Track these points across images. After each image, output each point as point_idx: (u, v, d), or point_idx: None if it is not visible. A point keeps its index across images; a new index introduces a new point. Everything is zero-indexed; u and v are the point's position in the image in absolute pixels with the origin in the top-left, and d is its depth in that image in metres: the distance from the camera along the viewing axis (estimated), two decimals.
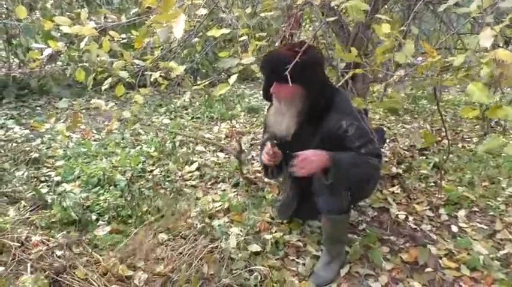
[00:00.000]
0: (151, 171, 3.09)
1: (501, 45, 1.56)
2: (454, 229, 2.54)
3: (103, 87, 2.12)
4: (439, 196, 2.86)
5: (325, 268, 2.06)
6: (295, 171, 1.73)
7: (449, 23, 3.11)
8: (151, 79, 2.14)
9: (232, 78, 1.78)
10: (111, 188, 2.74)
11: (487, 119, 4.28)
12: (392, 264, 2.17)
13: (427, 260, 2.21)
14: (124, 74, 2.04)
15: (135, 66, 2.37)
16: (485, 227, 2.56)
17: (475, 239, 2.42)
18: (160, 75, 2.25)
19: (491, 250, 2.33)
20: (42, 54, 2.28)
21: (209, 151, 3.54)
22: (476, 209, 2.77)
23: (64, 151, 3.41)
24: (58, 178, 2.91)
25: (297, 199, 2.20)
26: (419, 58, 2.82)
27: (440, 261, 2.22)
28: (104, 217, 2.44)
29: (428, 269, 2.16)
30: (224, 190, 2.85)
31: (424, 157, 3.57)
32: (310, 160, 1.73)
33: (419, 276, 2.10)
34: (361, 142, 1.81)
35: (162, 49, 2.50)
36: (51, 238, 2.20)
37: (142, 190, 2.74)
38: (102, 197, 2.62)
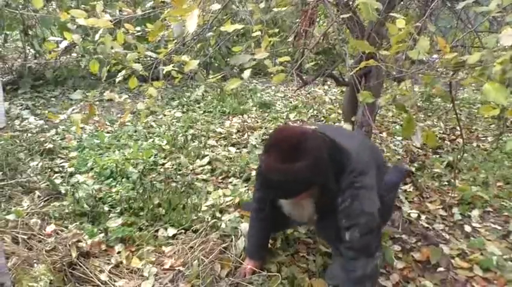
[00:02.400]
0: (163, 164, 3.11)
1: None
2: (467, 228, 2.51)
3: (117, 80, 2.13)
4: (453, 195, 2.82)
5: (339, 268, 2.04)
6: None
7: (467, 21, 3.06)
8: (164, 72, 2.14)
9: (246, 74, 1.77)
10: (123, 180, 2.77)
11: (503, 119, 4.21)
12: (404, 263, 2.15)
13: (439, 260, 2.18)
14: (137, 66, 2.05)
15: (148, 59, 2.38)
16: (499, 227, 2.53)
17: (488, 240, 2.38)
18: (173, 69, 2.25)
19: (505, 250, 2.29)
20: (58, 46, 2.31)
21: (220, 145, 3.55)
22: (490, 209, 2.73)
23: (78, 142, 3.45)
24: (71, 169, 2.95)
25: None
26: (435, 56, 2.78)
27: (452, 261, 2.20)
28: (116, 209, 2.46)
29: (440, 269, 2.14)
30: (235, 185, 2.85)
31: (438, 156, 3.54)
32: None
33: (431, 275, 2.09)
34: (349, 223, 1.60)
35: (176, 43, 2.51)
36: (64, 229, 2.23)
37: (154, 182, 2.75)
38: (114, 189, 2.65)
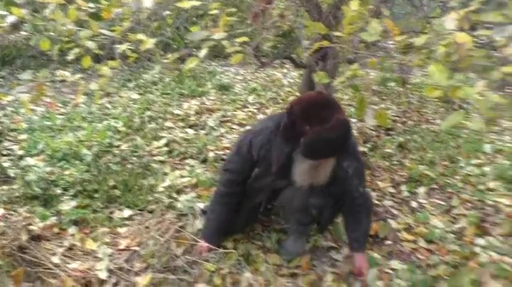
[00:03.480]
0: (119, 146, 3.05)
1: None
2: (414, 204, 2.66)
3: (69, 58, 2.05)
4: (402, 174, 2.97)
5: (293, 243, 2.12)
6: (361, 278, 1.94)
7: (421, 8, 3.17)
8: (119, 51, 2.09)
9: (203, 52, 1.77)
10: (77, 162, 2.70)
11: (451, 101, 4.43)
12: None
13: (387, 234, 2.31)
14: (91, 44, 1.99)
15: (102, 37, 2.31)
16: (443, 203, 2.70)
17: (432, 214, 2.55)
18: (128, 48, 2.20)
19: (447, 224, 2.46)
20: (4, 22, 2.19)
21: (178, 127, 3.52)
22: (435, 186, 2.90)
23: (28, 124, 3.31)
24: (21, 152, 2.83)
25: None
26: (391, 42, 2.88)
27: (399, 234, 2.34)
28: (69, 192, 2.40)
29: (388, 242, 2.27)
30: (192, 166, 2.85)
31: (390, 137, 3.68)
32: (367, 267, 1.96)
33: (378, 248, 2.21)
34: (358, 181, 1.86)
35: (131, 21, 2.44)
36: (14, 213, 2.16)
37: (109, 164, 2.71)
38: (67, 172, 2.58)
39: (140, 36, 1.91)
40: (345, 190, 1.86)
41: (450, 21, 1.22)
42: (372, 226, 2.09)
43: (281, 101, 4.52)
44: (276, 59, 2.97)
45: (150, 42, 1.85)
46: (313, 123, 1.53)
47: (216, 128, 3.53)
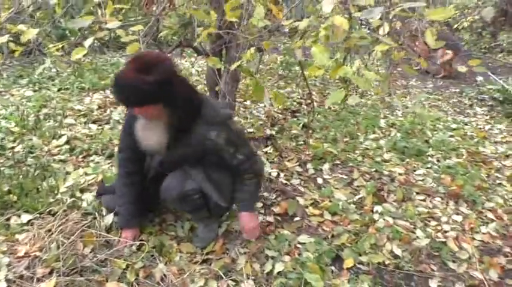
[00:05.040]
0: (12, 148, 2.81)
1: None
2: (320, 181, 2.82)
3: None
4: (307, 153, 3.13)
5: (204, 230, 2.14)
6: (253, 239, 2.10)
7: None
8: (0, 44, 1.91)
9: (88, 42, 1.68)
10: None
11: (348, 81, 4.73)
12: (265, 217, 2.34)
13: (295, 211, 2.43)
14: None
15: None
16: (345, 177, 2.89)
17: (336, 188, 2.72)
18: (11, 41, 2.02)
19: (349, 196, 2.65)
20: None
21: (80, 123, 3.33)
22: (338, 162, 3.10)
23: None
24: None
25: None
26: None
27: (307, 210, 2.46)
28: None
29: (297, 218, 2.38)
30: (98, 162, 2.73)
31: (296, 119, 3.84)
32: (255, 226, 2.06)
33: (288, 225, 2.31)
34: (234, 149, 1.87)
35: (11, 12, 2.24)
36: None
37: (2, 168, 2.49)
38: None
39: (21, 27, 1.76)
40: (223, 160, 1.89)
41: (327, 4, 1.30)
42: (261, 188, 2.14)
43: None
44: (176, 47, 2.93)
45: (31, 33, 1.72)
46: (124, 67, 1.63)
47: (121, 121, 3.40)
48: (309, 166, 2.97)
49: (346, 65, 1.49)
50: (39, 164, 2.58)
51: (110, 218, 2.10)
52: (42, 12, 2.43)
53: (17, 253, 1.86)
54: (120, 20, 2.00)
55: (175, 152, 1.85)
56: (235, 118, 3.54)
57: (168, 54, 2.92)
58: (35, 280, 1.73)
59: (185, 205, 1.96)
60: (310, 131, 3.51)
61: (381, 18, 1.43)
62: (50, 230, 1.98)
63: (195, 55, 6.11)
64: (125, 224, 2.03)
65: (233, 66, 1.84)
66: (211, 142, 1.80)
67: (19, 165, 2.57)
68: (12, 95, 3.93)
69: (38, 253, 1.84)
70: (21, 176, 2.40)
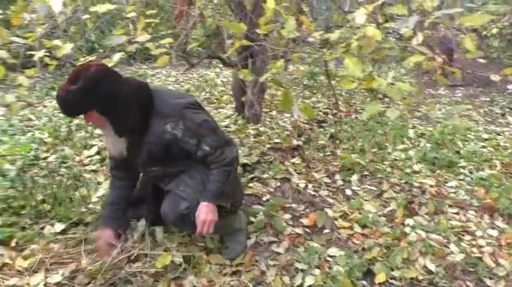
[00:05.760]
0: (46, 158, 2.89)
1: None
2: (348, 192, 2.78)
3: None
4: (335, 164, 3.09)
5: (233, 242, 2.13)
6: (204, 233, 1.87)
7: (339, 3, 3.31)
8: (36, 59, 1.97)
9: (116, 57, 1.72)
10: None
11: (374, 91, 4.69)
12: (294, 229, 2.32)
13: (324, 223, 2.40)
14: (2, 53, 1.86)
15: (16, 45, 2.17)
16: (374, 188, 2.84)
17: (365, 200, 2.68)
18: (46, 55, 2.09)
19: (379, 208, 2.60)
20: None
21: None
22: (366, 173, 3.05)
23: None
24: None
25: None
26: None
27: (336, 222, 2.43)
28: None
29: (326, 231, 2.35)
30: None
31: (322, 129, 3.82)
32: (208, 219, 1.84)
33: (317, 237, 2.28)
34: (196, 140, 1.81)
35: (46, 27, 2.32)
36: None
37: (36, 178, 2.55)
38: None
39: (56, 42, 1.81)
40: (187, 153, 1.84)
41: (360, 16, 1.28)
42: (228, 180, 1.90)
43: (215, 101, 4.52)
44: (204, 58, 2.96)
45: (66, 48, 1.77)
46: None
47: None
48: (337, 177, 2.94)
49: (378, 76, 1.47)
50: (71, 174, 2.64)
51: (141, 229, 2.11)
52: (75, 27, 2.49)
53: (53, 261, 1.89)
54: (150, 34, 2.05)
55: (141, 153, 1.86)
56: (261, 128, 3.55)
57: (196, 65, 2.96)
58: None
59: (187, 224, 1.91)
60: (338, 142, 3.48)
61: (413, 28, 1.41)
62: (85, 240, 2.01)
63: (220, 66, 6.21)
64: (105, 222, 2.02)
65: (263, 78, 1.84)
66: (169, 135, 1.78)
67: (52, 175, 2.63)
68: (45, 107, 4.05)
69: (76, 262, 1.87)
70: (54, 186, 2.45)
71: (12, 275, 1.80)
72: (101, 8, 1.76)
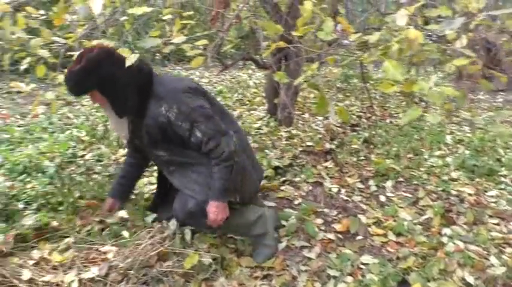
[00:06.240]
0: (83, 156, 2.97)
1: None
2: (382, 198, 2.71)
3: (21, 67, 1.97)
4: (369, 169, 3.02)
5: (263, 245, 2.11)
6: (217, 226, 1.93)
7: (376, 4, 3.24)
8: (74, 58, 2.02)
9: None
10: (38, 175, 2.60)
11: (411, 95, 4.56)
12: (326, 234, 2.28)
13: (357, 229, 2.34)
14: (44, 52, 1.92)
15: (57, 45, 2.23)
16: (410, 195, 2.76)
17: (400, 207, 2.60)
18: None
19: (415, 216, 2.52)
20: None
21: None
22: (401, 179, 2.96)
23: None
24: None
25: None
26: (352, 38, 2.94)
27: (369, 229, 2.37)
28: (32, 206, 2.30)
29: (359, 237, 2.30)
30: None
31: (356, 133, 3.75)
32: (218, 218, 1.88)
33: (350, 244, 2.23)
34: (189, 124, 1.79)
35: (85, 28, 2.38)
36: None
37: (74, 175, 2.62)
38: (29, 185, 2.48)
39: (95, 42, 1.85)
40: (181, 138, 1.84)
41: (401, 17, 1.24)
42: (231, 175, 1.87)
43: (247, 102, 4.52)
44: (238, 60, 2.97)
45: None
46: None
47: None
48: (370, 182, 2.87)
49: (418, 80, 1.41)
50: (107, 172, 2.70)
51: (172, 228, 2.13)
52: (113, 28, 2.55)
53: (89, 257, 1.93)
54: (186, 35, 2.06)
55: (142, 135, 1.88)
56: (294, 131, 3.52)
57: (229, 67, 2.97)
58: (106, 284, 1.77)
59: (197, 222, 1.94)
60: (372, 146, 3.40)
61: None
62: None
63: (253, 67, 6.21)
64: (110, 193, 2.19)
65: (298, 80, 1.81)
66: (163, 117, 1.78)
67: (89, 173, 2.70)
68: (83, 106, 4.17)
69: (111, 259, 1.90)
70: (91, 183, 2.51)
71: (48, 271, 1.85)
72: (138, 11, 1.79)
